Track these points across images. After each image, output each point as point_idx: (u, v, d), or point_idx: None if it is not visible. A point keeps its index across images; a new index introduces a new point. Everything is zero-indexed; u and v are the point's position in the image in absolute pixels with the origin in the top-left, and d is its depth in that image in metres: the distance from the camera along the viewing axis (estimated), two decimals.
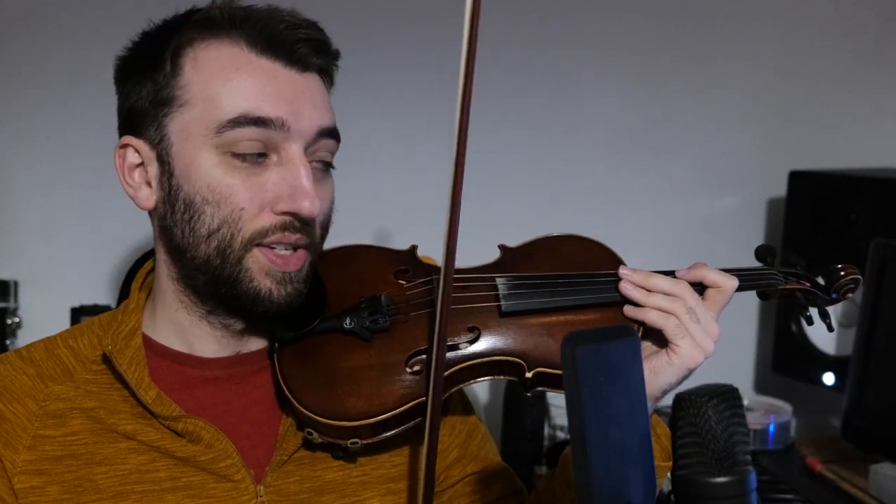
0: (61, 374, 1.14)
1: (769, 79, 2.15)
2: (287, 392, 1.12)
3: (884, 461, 1.75)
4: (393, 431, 1.13)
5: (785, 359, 2.06)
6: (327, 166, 1.16)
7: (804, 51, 2.15)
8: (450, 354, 1.16)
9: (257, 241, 1.09)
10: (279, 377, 1.14)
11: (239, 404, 1.16)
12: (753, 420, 1.96)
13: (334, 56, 1.17)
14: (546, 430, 1.96)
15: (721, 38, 2.12)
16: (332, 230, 1.19)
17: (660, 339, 1.17)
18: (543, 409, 1.95)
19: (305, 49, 1.11)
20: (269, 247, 1.10)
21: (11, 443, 1.08)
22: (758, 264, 1.31)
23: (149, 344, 1.16)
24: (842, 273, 1.28)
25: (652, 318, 1.15)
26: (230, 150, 1.08)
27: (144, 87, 1.11)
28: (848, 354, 1.84)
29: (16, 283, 1.84)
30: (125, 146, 1.13)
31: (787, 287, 1.27)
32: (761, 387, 2.23)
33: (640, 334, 1.18)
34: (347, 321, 1.15)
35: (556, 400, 1.97)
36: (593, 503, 0.83)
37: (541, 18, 2.02)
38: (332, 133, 1.14)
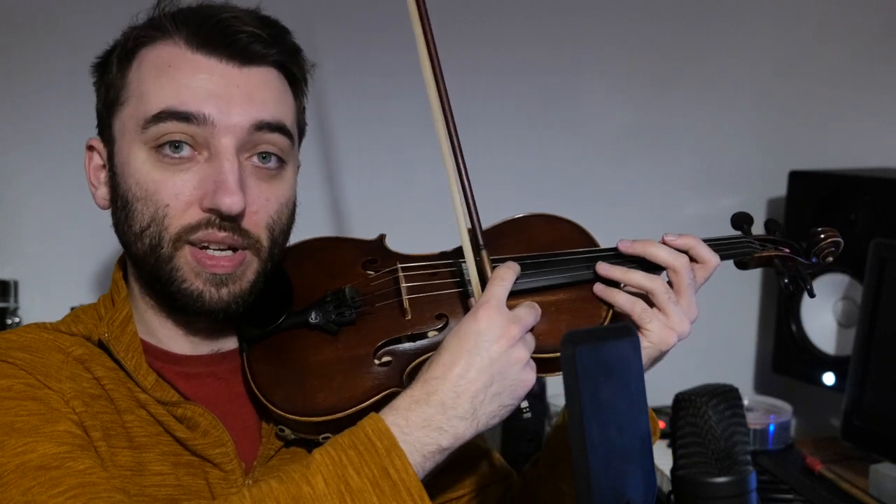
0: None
1: (769, 79, 2.15)
2: (256, 390, 1.12)
3: (884, 461, 1.75)
4: None
5: (785, 359, 2.06)
6: (280, 163, 1.13)
7: (804, 51, 2.15)
8: (418, 343, 1.15)
9: (185, 237, 1.08)
10: (248, 375, 1.14)
11: (222, 400, 1.16)
12: (753, 420, 1.96)
13: (288, 50, 1.15)
14: (546, 430, 1.96)
15: (721, 39, 2.12)
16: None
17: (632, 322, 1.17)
18: (543, 408, 1.95)
19: (244, 42, 1.10)
20: (201, 247, 1.09)
21: (53, 375, 1.08)
22: (735, 233, 1.29)
23: None
24: (822, 235, 1.26)
25: (620, 301, 1.15)
26: (155, 146, 1.08)
27: (101, 89, 1.15)
28: (848, 354, 1.84)
29: (16, 283, 1.84)
30: (90, 148, 1.17)
31: (765, 254, 1.26)
32: (761, 387, 2.23)
33: (609, 316, 1.17)
34: (313, 316, 1.15)
35: (556, 400, 1.97)
36: (593, 502, 0.83)
37: (541, 18, 2.02)
38: (273, 127, 1.11)
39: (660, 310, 1.14)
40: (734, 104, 2.14)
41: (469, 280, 1.14)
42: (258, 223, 1.11)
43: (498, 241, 1.23)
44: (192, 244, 1.09)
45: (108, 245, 1.83)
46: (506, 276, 1.08)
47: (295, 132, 1.16)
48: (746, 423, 0.95)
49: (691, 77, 2.11)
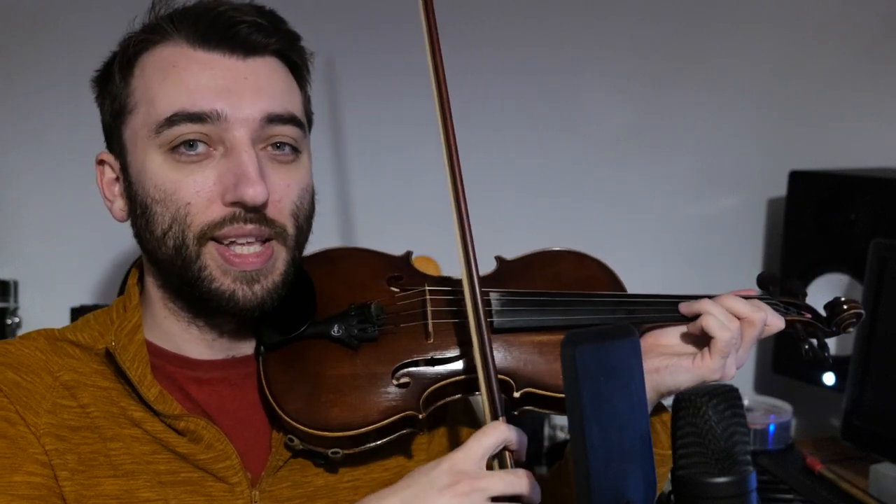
0: (71, 357, 1.14)
1: (769, 79, 2.15)
2: (270, 397, 1.11)
3: (884, 461, 1.75)
4: (375, 443, 1.12)
5: (785, 359, 2.06)
6: (294, 152, 1.13)
7: (804, 51, 2.15)
8: (437, 368, 1.15)
9: (210, 234, 1.07)
10: (263, 381, 1.12)
11: (234, 406, 1.16)
12: (753, 420, 1.96)
13: (289, 37, 1.14)
14: (546, 430, 1.96)
15: (721, 39, 2.12)
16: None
17: (693, 345, 1.17)
18: None
19: (245, 33, 1.09)
20: (227, 244, 1.08)
21: (32, 406, 1.08)
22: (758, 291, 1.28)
23: (146, 343, 1.15)
24: (845, 307, 1.26)
25: (714, 325, 1.13)
26: (170, 148, 1.07)
27: (105, 101, 1.14)
28: (848, 354, 1.84)
29: (16, 283, 1.84)
30: (101, 162, 1.16)
31: (788, 318, 1.24)
32: (761, 387, 2.23)
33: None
34: (336, 328, 1.14)
35: None
36: (593, 502, 0.83)
37: (541, 18, 2.02)
38: (284, 119, 1.11)
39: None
40: (734, 104, 2.14)
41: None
42: (282, 210, 1.10)
43: (525, 272, 1.24)
44: (218, 241, 1.08)
45: (109, 245, 1.84)
46: (489, 436, 1.03)
47: (304, 121, 1.16)
48: (746, 423, 0.95)
49: (691, 77, 2.11)
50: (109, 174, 1.15)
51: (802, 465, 1.89)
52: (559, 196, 2.08)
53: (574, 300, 1.19)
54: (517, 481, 1.01)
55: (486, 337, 1.06)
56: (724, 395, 0.93)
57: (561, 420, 1.95)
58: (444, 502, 0.98)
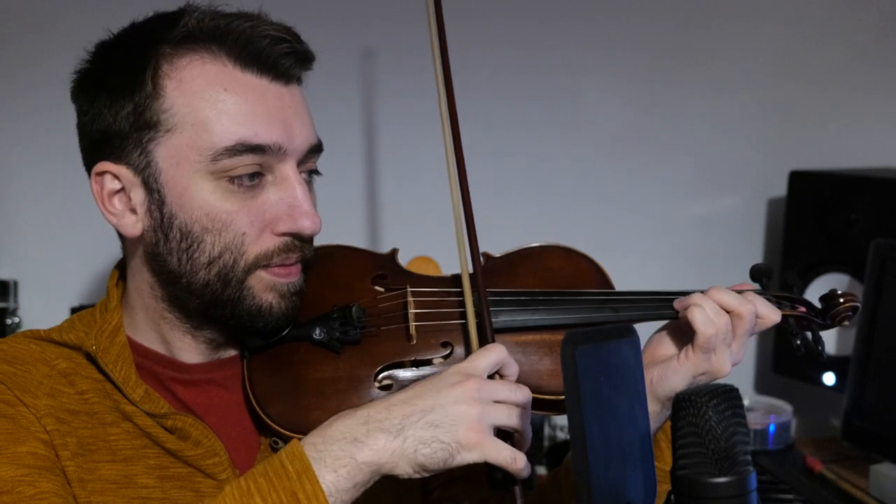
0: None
1: (769, 79, 2.15)
2: (253, 401, 1.11)
3: (884, 461, 1.75)
4: None
5: (785, 359, 2.06)
6: (312, 175, 1.15)
7: (804, 51, 2.15)
8: (420, 370, 1.14)
9: (260, 264, 1.08)
10: (246, 384, 1.12)
11: (221, 406, 1.15)
12: (753, 420, 1.96)
13: (312, 62, 1.14)
14: (546, 430, 1.96)
15: (721, 39, 2.12)
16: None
17: (678, 342, 1.17)
18: None
19: (290, 62, 1.09)
20: (272, 266, 1.09)
21: (31, 390, 1.08)
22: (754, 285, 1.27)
23: (129, 342, 1.15)
24: (840, 300, 1.23)
25: (699, 319, 1.12)
26: (226, 176, 1.06)
27: (122, 108, 1.07)
28: (848, 354, 1.84)
29: (16, 283, 1.84)
30: (102, 173, 1.10)
31: (781, 312, 1.20)
32: (761, 387, 2.23)
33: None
34: (317, 332, 1.13)
35: None
36: (593, 503, 0.83)
37: (541, 19, 2.02)
38: (320, 148, 1.14)
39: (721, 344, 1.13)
40: (734, 104, 2.14)
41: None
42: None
43: (511, 269, 1.22)
44: (265, 267, 1.09)
45: (108, 245, 1.83)
46: (490, 352, 1.05)
47: None
48: (746, 423, 0.95)
49: (691, 77, 2.11)
50: (112, 186, 1.10)
51: (802, 465, 1.89)
52: (559, 196, 2.08)
53: (558, 299, 1.18)
54: (520, 392, 1.03)
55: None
56: (724, 394, 0.93)
57: (561, 420, 1.95)
58: (455, 395, 0.99)
